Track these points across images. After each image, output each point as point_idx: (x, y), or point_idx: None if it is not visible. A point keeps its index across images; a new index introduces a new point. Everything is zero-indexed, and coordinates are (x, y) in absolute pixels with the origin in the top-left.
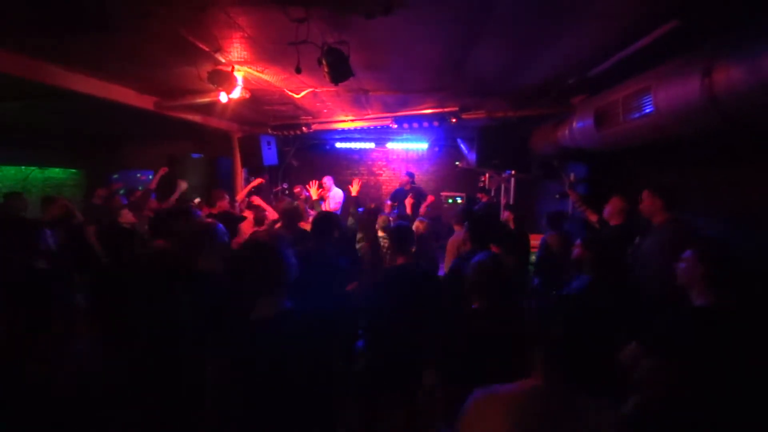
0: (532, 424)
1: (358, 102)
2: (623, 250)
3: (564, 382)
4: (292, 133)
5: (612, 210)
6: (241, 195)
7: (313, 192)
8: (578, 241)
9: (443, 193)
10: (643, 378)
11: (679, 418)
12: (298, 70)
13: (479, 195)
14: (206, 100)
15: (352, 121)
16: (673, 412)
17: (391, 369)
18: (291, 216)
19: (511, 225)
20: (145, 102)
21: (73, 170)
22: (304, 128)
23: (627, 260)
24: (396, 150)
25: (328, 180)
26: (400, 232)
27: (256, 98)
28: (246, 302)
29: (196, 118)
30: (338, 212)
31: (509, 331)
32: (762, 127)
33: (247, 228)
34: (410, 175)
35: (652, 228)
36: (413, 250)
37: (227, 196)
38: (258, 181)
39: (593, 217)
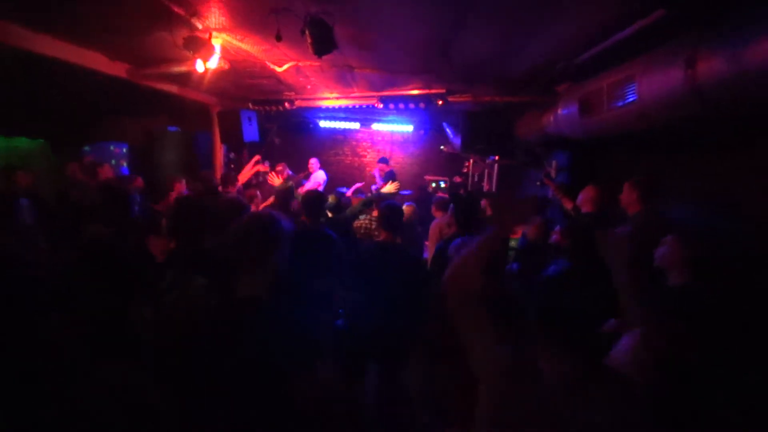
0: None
1: (343, 79)
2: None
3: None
4: (274, 108)
5: (584, 198)
6: (244, 176)
7: (276, 180)
8: (557, 228)
9: (427, 177)
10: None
11: (658, 393)
12: (279, 38)
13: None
14: (182, 69)
15: (337, 98)
16: (653, 386)
17: (370, 345)
18: (285, 196)
19: (488, 212)
20: (117, 69)
21: (41, 140)
22: (286, 104)
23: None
24: (381, 132)
25: (314, 162)
26: (389, 210)
27: (236, 70)
28: (234, 278)
29: (173, 89)
30: None
31: None
32: (742, 115)
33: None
34: (384, 161)
35: (627, 218)
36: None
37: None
38: (261, 166)
39: (568, 205)
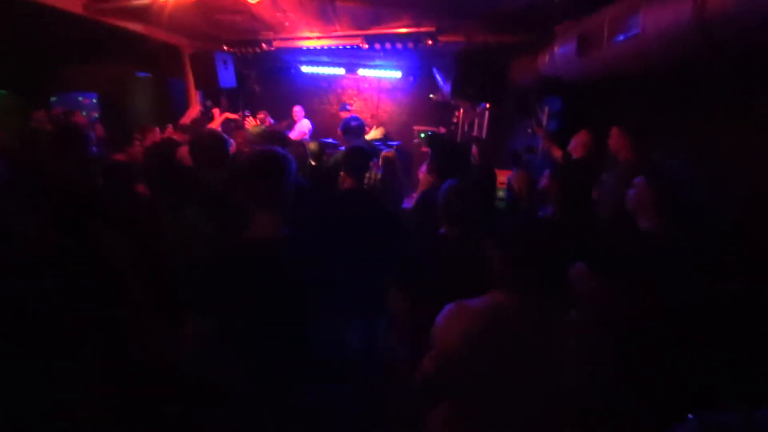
0: (502, 334)
1: (325, 14)
2: (587, 183)
3: (533, 294)
4: (251, 50)
5: (576, 143)
6: (212, 127)
7: (253, 126)
8: (546, 172)
9: (416, 127)
10: (585, 294)
11: (616, 341)
12: None
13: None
14: (144, 0)
15: (318, 38)
16: (608, 332)
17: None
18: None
19: (476, 158)
20: (71, 4)
21: (2, 91)
22: (263, 45)
23: (590, 193)
24: (368, 78)
25: (298, 110)
26: (351, 152)
27: (205, 4)
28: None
29: (138, 27)
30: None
31: (477, 255)
32: (746, 53)
33: None
34: (344, 107)
35: (617, 164)
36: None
37: (157, 129)
38: (230, 114)
39: (557, 153)
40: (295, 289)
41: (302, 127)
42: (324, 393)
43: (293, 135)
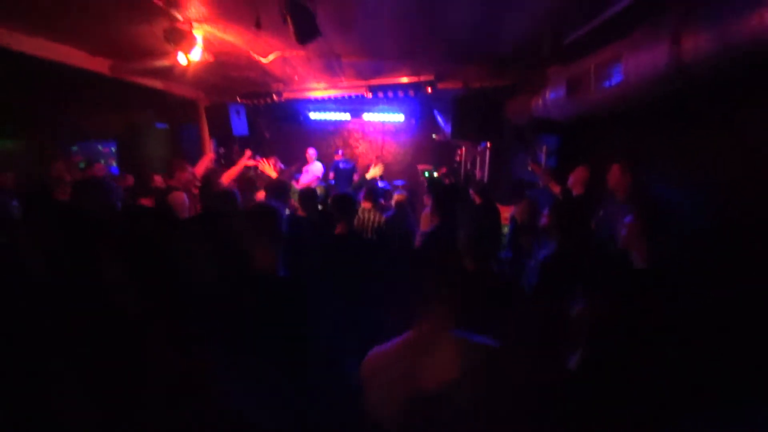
0: (413, 362)
1: (331, 68)
2: (587, 218)
3: (445, 327)
4: (262, 101)
5: (576, 179)
6: (229, 176)
7: (269, 169)
8: (545, 210)
9: (419, 166)
10: (588, 334)
11: (620, 376)
12: (258, 25)
13: (445, 179)
14: (165, 63)
15: (325, 89)
16: (614, 370)
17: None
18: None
19: (477, 200)
20: (99, 65)
21: (24, 140)
22: (274, 96)
23: (591, 229)
24: (372, 122)
25: (312, 153)
26: (337, 200)
27: (221, 63)
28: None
29: (158, 84)
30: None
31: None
32: (724, 86)
33: None
34: (337, 151)
35: (616, 200)
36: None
37: (189, 167)
38: (250, 161)
39: (556, 189)
40: (292, 321)
41: (315, 169)
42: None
43: (306, 177)
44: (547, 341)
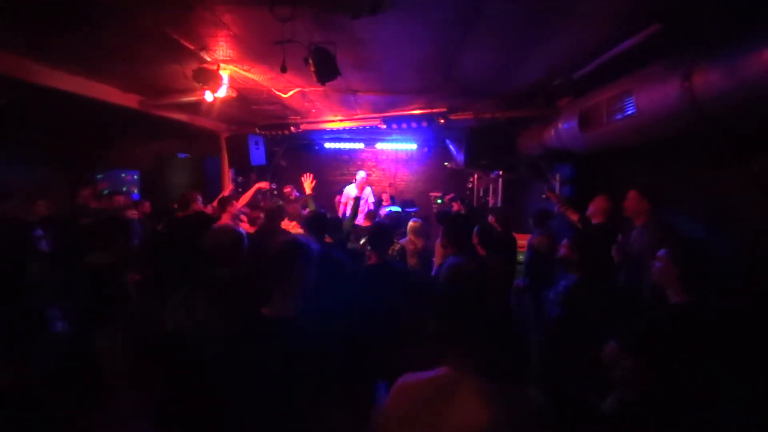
0: (440, 408)
1: (347, 102)
2: (608, 249)
3: (475, 371)
4: (280, 133)
5: (596, 209)
6: (242, 200)
7: (307, 186)
8: (564, 241)
9: (432, 194)
10: (623, 376)
11: (659, 416)
12: (284, 69)
13: (452, 203)
14: (192, 99)
15: (341, 121)
16: (652, 410)
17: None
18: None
19: (498, 227)
20: (129, 101)
21: (55, 169)
22: (292, 128)
23: (610, 259)
24: (385, 150)
25: (362, 178)
26: (376, 229)
27: (244, 97)
28: (260, 299)
29: (183, 117)
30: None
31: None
32: (738, 127)
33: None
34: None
35: (636, 228)
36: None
37: (199, 197)
38: (262, 184)
39: (574, 217)
40: (304, 364)
41: (369, 196)
42: None
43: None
44: (573, 382)
